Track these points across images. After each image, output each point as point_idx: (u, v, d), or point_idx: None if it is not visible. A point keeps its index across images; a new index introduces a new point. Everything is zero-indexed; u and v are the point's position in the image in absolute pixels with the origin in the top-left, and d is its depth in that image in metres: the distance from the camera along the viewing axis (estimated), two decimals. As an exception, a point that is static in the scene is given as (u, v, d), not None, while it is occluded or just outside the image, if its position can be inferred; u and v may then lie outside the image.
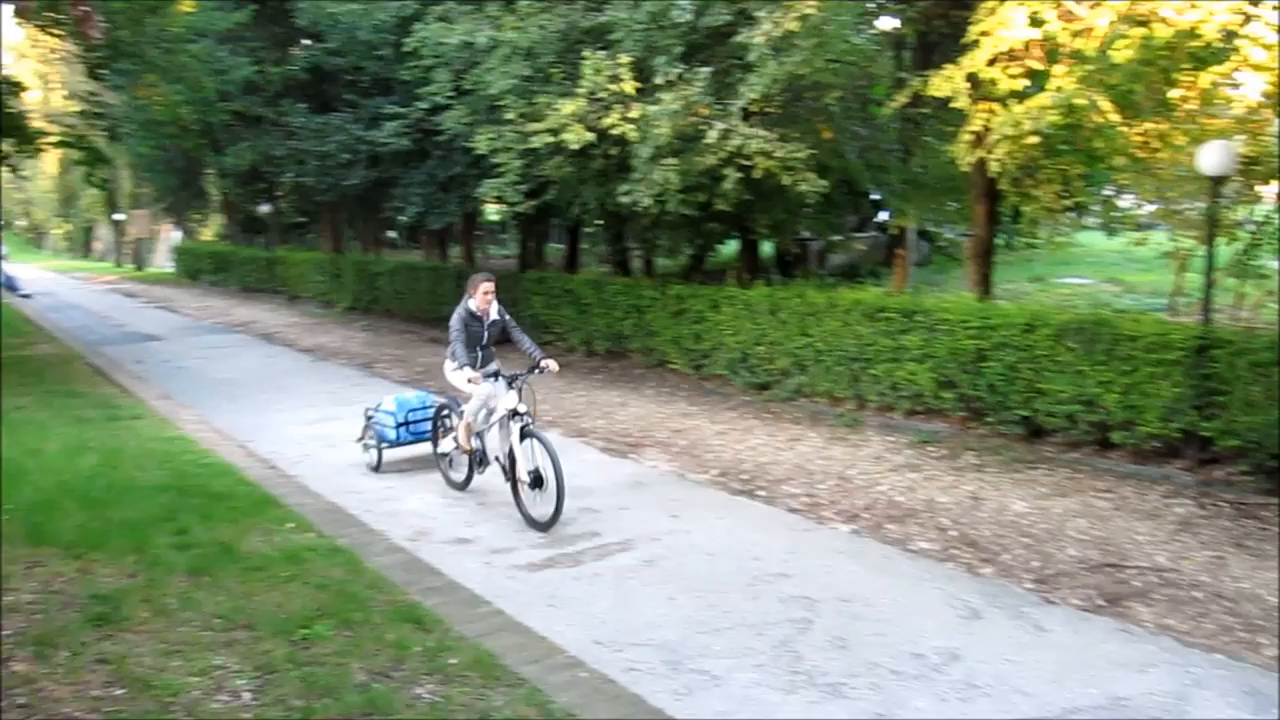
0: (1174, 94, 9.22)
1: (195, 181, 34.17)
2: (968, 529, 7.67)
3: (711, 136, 11.27)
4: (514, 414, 7.90)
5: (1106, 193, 14.52)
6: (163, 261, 47.70)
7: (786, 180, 11.62)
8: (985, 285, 12.07)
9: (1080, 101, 8.76)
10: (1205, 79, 9.13)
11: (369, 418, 9.73)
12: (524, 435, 7.81)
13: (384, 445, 9.54)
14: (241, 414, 12.35)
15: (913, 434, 10.34)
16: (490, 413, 8.34)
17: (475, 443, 8.53)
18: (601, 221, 19.17)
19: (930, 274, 20.69)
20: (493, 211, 26.27)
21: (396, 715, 4.65)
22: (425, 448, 9.60)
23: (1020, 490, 8.56)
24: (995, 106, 9.42)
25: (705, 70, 11.39)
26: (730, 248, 21.40)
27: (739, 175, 11.57)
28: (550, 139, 12.25)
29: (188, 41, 17.66)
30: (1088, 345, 9.07)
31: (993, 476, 8.97)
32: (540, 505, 7.71)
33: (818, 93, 12.36)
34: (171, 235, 48.34)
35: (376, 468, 9.58)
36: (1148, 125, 9.93)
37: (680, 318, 13.64)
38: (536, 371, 8.12)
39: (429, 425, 9.46)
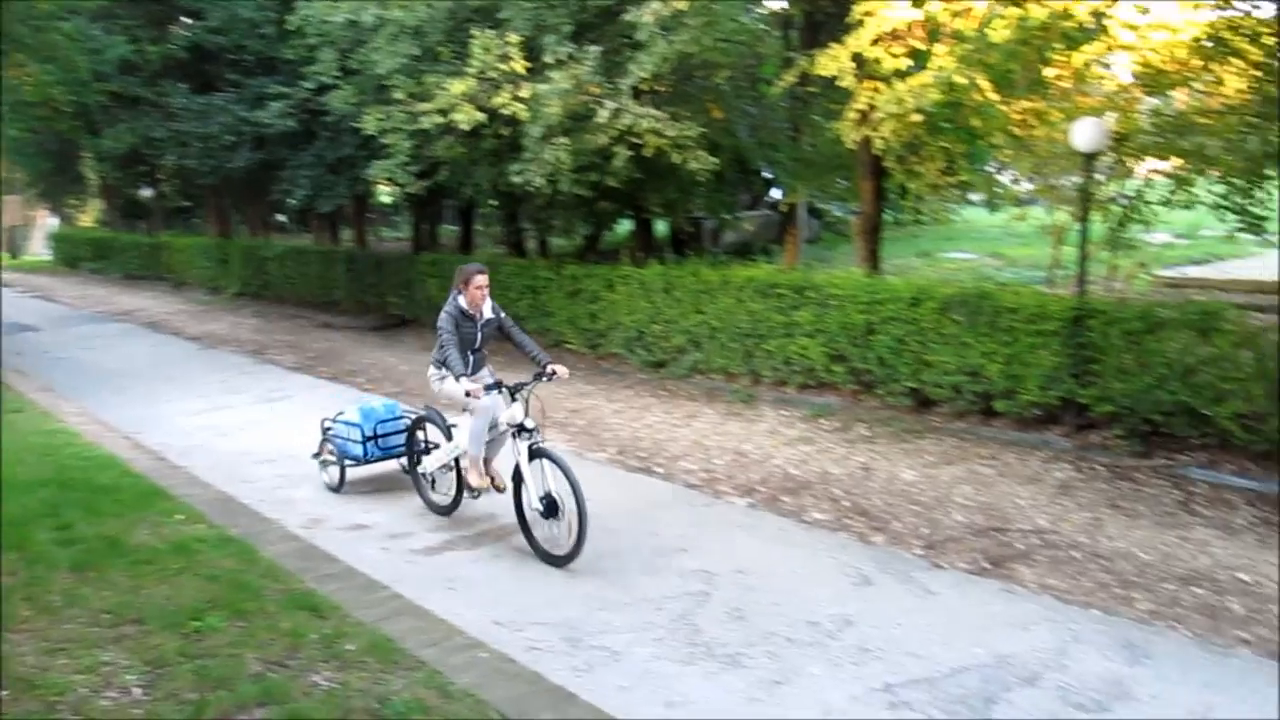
0: (1049, 73, 9.53)
1: (71, 165, 32.72)
2: (859, 499, 7.86)
3: (602, 115, 11.26)
4: (520, 430, 6.77)
5: (988, 170, 14.95)
6: (39, 249, 45.77)
7: (677, 159, 11.69)
8: (873, 261, 12.32)
9: (960, 80, 8.98)
10: (1078, 59, 9.47)
11: (327, 430, 8.53)
12: (533, 455, 6.71)
13: (348, 462, 8.31)
14: (127, 405, 11.96)
15: (806, 408, 10.53)
16: (488, 430, 7.20)
17: (496, 480, 7.29)
18: (495, 202, 19.01)
19: (821, 251, 21.08)
20: (384, 193, 25.80)
21: (293, 704, 4.59)
22: (391, 464, 8.58)
23: (909, 460, 8.81)
24: (879, 85, 9.60)
25: (595, 49, 11.36)
26: (625, 227, 21.46)
27: (630, 154, 11.60)
28: (440, 119, 12.10)
29: (58, 19, 16.90)
30: (971, 318, 9.34)
31: (883, 447, 9.20)
32: (556, 537, 6.61)
33: (707, 71, 12.43)
34: (47, 222, 46.39)
35: (338, 488, 8.36)
36: (1024, 103, 10.25)
37: (576, 298, 13.64)
38: (544, 379, 6.99)
39: (401, 439, 8.27)
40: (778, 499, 7.98)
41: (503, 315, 7.28)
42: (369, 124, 13.23)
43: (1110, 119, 9.95)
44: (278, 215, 32.76)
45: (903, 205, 15.56)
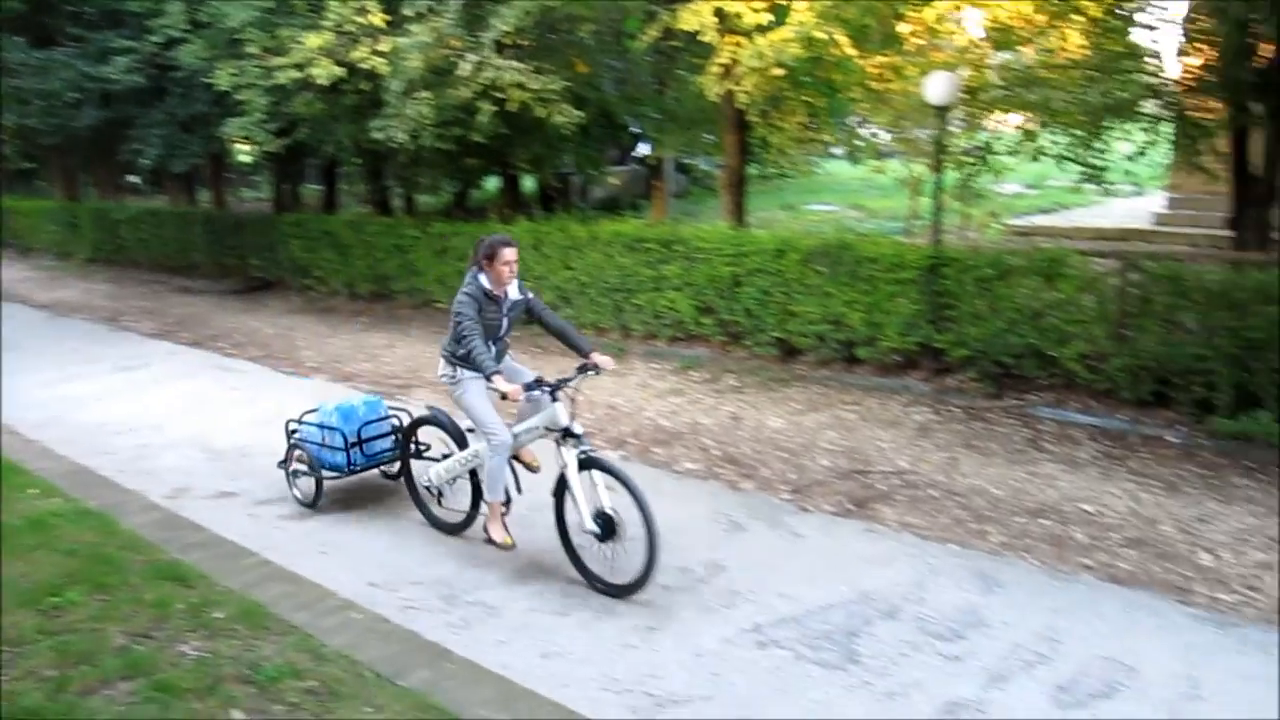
0: (903, 28, 9.78)
1: (-102, 127, 30.66)
2: (729, 447, 8.04)
3: (464, 69, 11.09)
4: (565, 436, 5.63)
5: (849, 123, 15.29)
6: None
7: (542, 113, 11.62)
8: (739, 214, 12.50)
9: (819, 35, 9.15)
10: (930, 14, 9.74)
11: (293, 434, 7.15)
12: (584, 465, 5.56)
13: (327, 474, 6.87)
14: (-32, 378, 11.38)
15: (676, 360, 10.68)
16: (517, 436, 5.92)
17: (529, 458, 6.34)
18: (358, 160, 18.58)
19: (688, 205, 21.24)
20: (242, 152, 24.92)
21: (160, 675, 4.50)
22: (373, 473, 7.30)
23: (777, 408, 9.03)
24: (741, 40, 9.71)
25: (456, 2, 11.17)
26: (493, 184, 21.24)
27: (494, 109, 11.47)
28: (296, 74, 11.76)
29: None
30: (833, 268, 9.59)
31: (751, 396, 9.41)
32: (614, 561, 5.54)
33: (571, 25, 12.34)
34: None
35: (314, 504, 6.92)
36: (880, 58, 10.51)
37: (444, 256, 13.48)
38: (588, 372, 5.88)
39: (387, 443, 7.07)
40: (649, 450, 8.10)
41: (531, 296, 6.01)
42: (222, 80, 12.78)
43: (961, 74, 10.28)
44: (129, 176, 31.29)
45: (766, 159, 15.81)
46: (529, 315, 6.03)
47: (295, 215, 18.54)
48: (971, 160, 11.85)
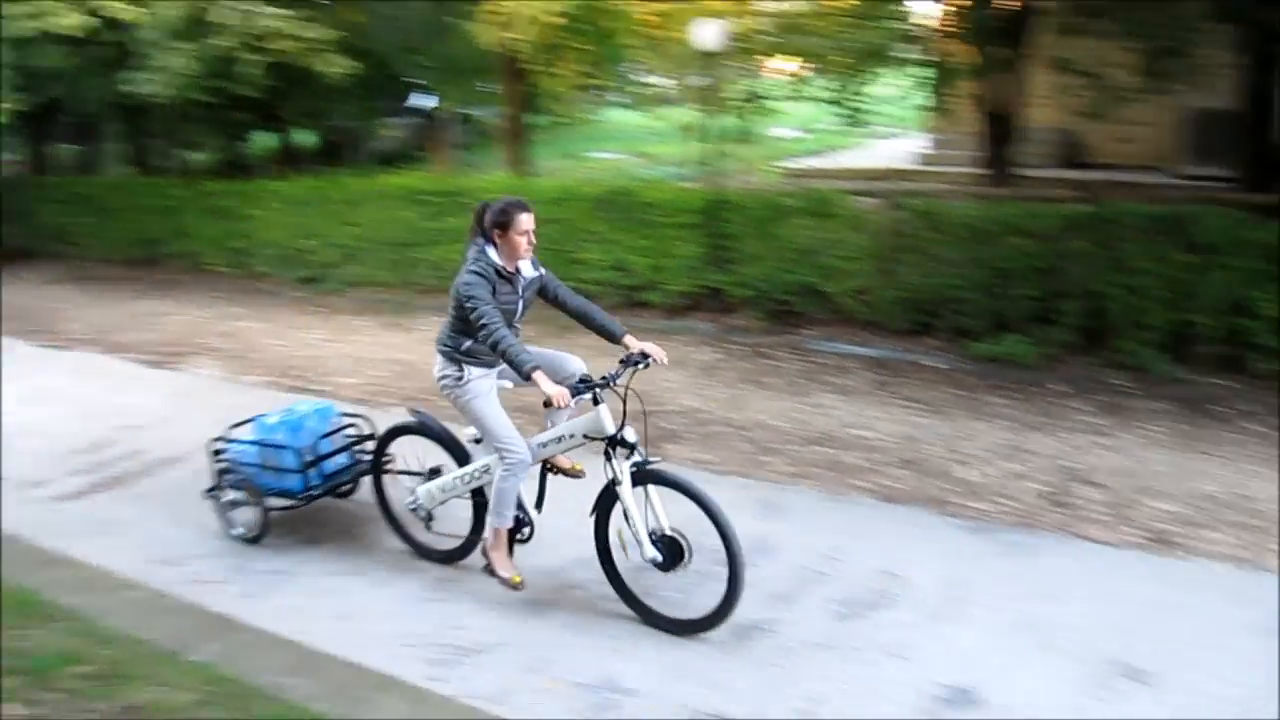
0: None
1: None
2: (522, 397, 8.07)
3: (228, 18, 10.56)
4: (616, 445, 4.67)
5: (628, 71, 15.43)
6: None
7: (314, 64, 11.20)
8: (521, 163, 12.46)
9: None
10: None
11: (220, 454, 5.80)
12: (638, 479, 4.65)
13: (276, 501, 5.63)
14: None
15: (464, 313, 10.58)
16: (543, 447, 4.91)
17: (569, 465, 5.31)
18: (118, 117, 17.43)
19: (472, 156, 20.93)
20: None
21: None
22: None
23: (569, 354, 9.10)
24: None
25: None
26: (267, 139, 20.35)
27: (262, 59, 10.98)
28: (38, 24, 10.89)
29: None
30: (616, 215, 9.72)
31: (543, 345, 9.43)
32: (676, 591, 4.79)
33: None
34: None
35: (258, 537, 5.66)
36: (654, 4, 10.63)
37: (217, 216, 12.88)
38: (637, 366, 4.81)
39: (343, 460, 5.83)
40: (440, 405, 8.01)
41: (545, 272, 4.93)
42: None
43: (732, 21, 10.53)
44: None
45: (547, 108, 15.79)
46: (543, 296, 4.93)
47: (52, 178, 17.31)
48: (744, 105, 12.18)
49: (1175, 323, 7.60)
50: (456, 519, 5.26)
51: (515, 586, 4.83)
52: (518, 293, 4.73)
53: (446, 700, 4.13)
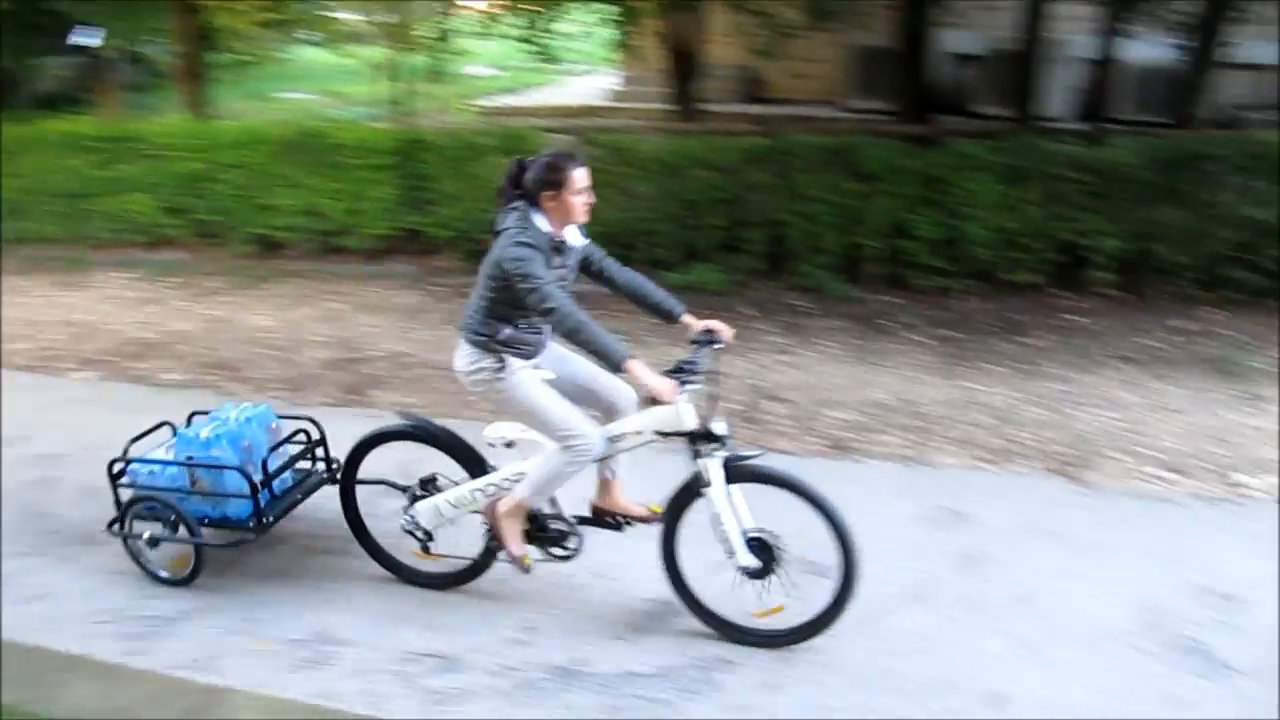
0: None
1: None
2: (216, 352, 7.74)
3: None
4: (704, 439, 3.87)
5: (317, 8, 14.79)
6: None
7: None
8: (201, 105, 11.75)
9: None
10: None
11: (119, 475, 4.65)
12: (733, 476, 3.91)
13: (218, 538, 4.60)
14: None
15: (148, 267, 9.93)
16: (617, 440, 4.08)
17: (636, 510, 4.29)
18: None
19: (146, 98, 19.46)
20: None
21: None
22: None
23: (263, 306, 8.78)
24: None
25: None
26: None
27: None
28: None
29: None
30: (306, 158, 9.38)
31: (235, 297, 9.05)
32: (777, 604, 3.99)
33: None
34: None
35: (190, 577, 4.55)
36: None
37: None
38: (711, 346, 4.06)
39: (291, 476, 4.81)
40: (126, 366, 7.57)
41: (590, 242, 4.17)
42: None
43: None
44: None
45: (228, 45, 14.89)
46: (586, 271, 4.16)
47: None
48: (436, 42, 11.99)
49: (847, 246, 8.25)
50: (456, 539, 4.49)
51: (525, 568, 4.23)
52: (567, 265, 3.99)
53: (142, 673, 3.96)
